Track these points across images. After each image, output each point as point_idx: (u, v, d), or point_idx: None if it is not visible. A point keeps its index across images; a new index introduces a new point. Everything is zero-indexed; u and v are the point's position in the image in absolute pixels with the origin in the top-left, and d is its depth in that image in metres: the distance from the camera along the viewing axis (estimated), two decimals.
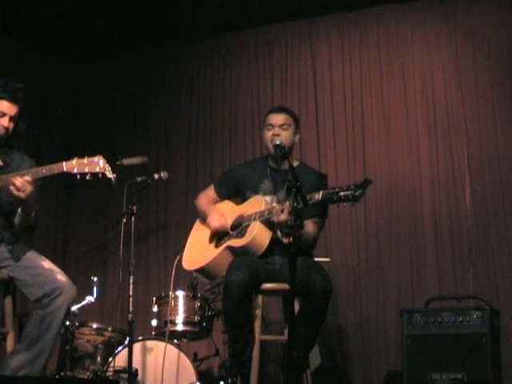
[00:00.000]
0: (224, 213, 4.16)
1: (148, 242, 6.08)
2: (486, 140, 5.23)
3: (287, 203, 3.76)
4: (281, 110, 4.22)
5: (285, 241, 3.85)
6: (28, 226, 3.80)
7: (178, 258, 4.39)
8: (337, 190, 3.50)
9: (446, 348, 4.33)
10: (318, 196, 3.58)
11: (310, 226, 3.94)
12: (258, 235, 3.92)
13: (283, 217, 3.74)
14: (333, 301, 4.51)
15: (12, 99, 3.77)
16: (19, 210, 3.71)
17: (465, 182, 5.22)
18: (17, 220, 3.77)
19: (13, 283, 3.81)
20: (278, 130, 4.07)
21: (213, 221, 4.15)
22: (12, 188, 3.58)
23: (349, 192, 3.46)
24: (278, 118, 4.12)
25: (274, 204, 3.96)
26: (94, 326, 4.75)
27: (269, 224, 3.90)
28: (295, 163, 4.07)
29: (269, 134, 4.09)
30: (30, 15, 5.79)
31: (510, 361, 4.73)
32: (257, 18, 5.97)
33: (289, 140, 4.09)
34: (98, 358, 4.68)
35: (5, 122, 3.76)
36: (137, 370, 4.33)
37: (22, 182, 3.57)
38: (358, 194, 3.44)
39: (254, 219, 3.94)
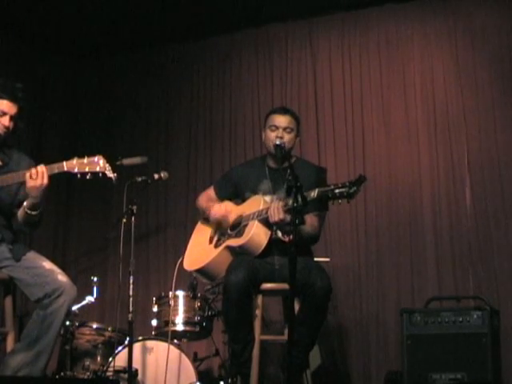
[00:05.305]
0: (227, 205, 4.16)
1: (148, 241, 6.08)
2: (485, 140, 5.23)
3: (281, 202, 3.77)
4: (285, 111, 4.17)
5: (285, 239, 3.85)
6: (31, 222, 3.79)
7: (180, 259, 4.38)
8: (332, 187, 3.52)
9: (446, 348, 4.34)
10: (314, 194, 3.58)
11: (309, 220, 3.94)
12: (256, 234, 3.92)
13: (277, 217, 3.75)
14: (333, 301, 4.50)
15: (12, 98, 3.77)
16: (25, 203, 3.69)
17: (465, 181, 5.22)
18: (21, 213, 3.75)
19: (13, 283, 3.81)
20: (281, 132, 4.05)
21: (213, 211, 4.13)
22: (27, 175, 3.57)
23: (344, 189, 3.47)
24: (282, 120, 4.09)
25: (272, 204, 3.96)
26: (94, 326, 4.76)
27: (267, 223, 3.90)
28: (293, 159, 4.08)
29: (272, 135, 4.07)
30: (30, 15, 5.79)
31: (510, 361, 4.73)
32: (257, 18, 5.97)
33: (291, 143, 4.09)
34: (98, 358, 4.68)
35: (5, 121, 3.76)
36: (137, 370, 4.33)
37: (40, 169, 3.57)
38: (352, 191, 3.45)
39: (252, 219, 3.94)
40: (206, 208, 4.26)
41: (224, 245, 4.06)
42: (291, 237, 3.14)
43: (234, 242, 4.01)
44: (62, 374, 4.53)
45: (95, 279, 4.90)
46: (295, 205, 3.17)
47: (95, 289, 4.86)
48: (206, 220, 4.30)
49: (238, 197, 4.24)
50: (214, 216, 4.14)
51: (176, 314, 4.59)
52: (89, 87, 6.60)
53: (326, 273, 3.91)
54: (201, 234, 4.30)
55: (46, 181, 3.59)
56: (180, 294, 4.64)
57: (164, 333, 4.52)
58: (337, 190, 3.49)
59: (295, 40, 5.95)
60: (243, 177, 4.23)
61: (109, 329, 4.73)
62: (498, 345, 4.44)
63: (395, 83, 5.57)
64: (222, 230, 4.16)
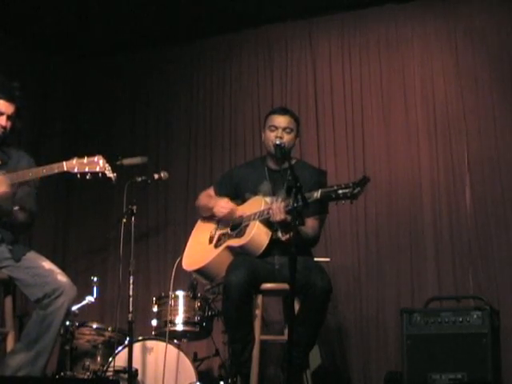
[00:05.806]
0: (229, 200, 4.15)
1: (148, 241, 6.08)
2: (486, 140, 5.23)
3: (283, 203, 3.77)
4: (284, 111, 4.18)
5: (283, 238, 3.85)
6: (17, 224, 3.77)
7: (178, 259, 4.38)
8: (335, 188, 3.51)
9: (446, 348, 4.34)
10: (317, 194, 3.58)
11: (310, 223, 3.94)
12: (257, 234, 3.92)
13: (278, 217, 3.75)
14: (333, 301, 4.50)
15: (9, 98, 3.77)
16: None
17: (465, 181, 5.22)
18: None
19: (13, 283, 3.81)
20: (281, 132, 4.06)
21: (218, 208, 4.11)
22: None
23: (347, 190, 3.46)
24: (281, 121, 4.09)
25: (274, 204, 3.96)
26: (94, 326, 4.75)
27: (268, 224, 3.90)
28: (293, 161, 4.06)
29: (271, 135, 4.08)
30: (29, 15, 5.79)
31: (510, 361, 4.73)
32: (257, 18, 5.97)
33: (291, 144, 4.10)
34: (98, 358, 4.68)
35: (2, 120, 3.76)
36: (137, 370, 4.33)
37: None
38: (356, 191, 3.44)
39: (253, 219, 3.94)
40: (207, 205, 4.23)
41: (224, 245, 4.05)
42: (288, 236, 3.13)
43: (234, 242, 4.01)
44: (62, 374, 4.52)
45: (95, 279, 4.89)
46: (295, 205, 3.17)
47: (95, 289, 4.85)
48: (207, 219, 4.29)
49: (238, 197, 4.24)
50: (219, 212, 4.12)
51: (176, 314, 4.59)
52: (89, 87, 6.59)
53: (326, 273, 3.92)
54: (200, 234, 4.29)
55: (5, 189, 3.58)
56: (180, 294, 4.63)
57: (164, 333, 4.52)
58: (340, 191, 3.48)
59: (295, 40, 5.95)
60: (243, 178, 4.23)
61: (109, 329, 4.72)
62: (498, 345, 4.44)
63: (395, 83, 5.57)
64: (223, 227, 4.15)
